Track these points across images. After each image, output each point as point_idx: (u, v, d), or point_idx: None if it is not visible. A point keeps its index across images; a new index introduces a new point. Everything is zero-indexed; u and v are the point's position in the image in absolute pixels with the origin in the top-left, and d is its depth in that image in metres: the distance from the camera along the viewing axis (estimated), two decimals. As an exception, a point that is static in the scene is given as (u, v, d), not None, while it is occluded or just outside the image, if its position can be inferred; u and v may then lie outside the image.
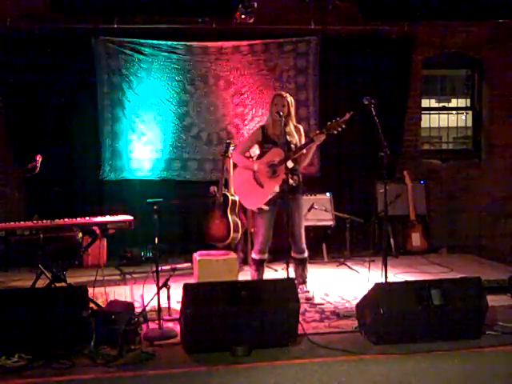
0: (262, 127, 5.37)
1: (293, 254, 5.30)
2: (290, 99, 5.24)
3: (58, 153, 7.11)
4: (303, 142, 5.24)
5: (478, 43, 8.01)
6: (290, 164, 4.97)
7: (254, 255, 5.38)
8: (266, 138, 5.29)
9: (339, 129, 5.03)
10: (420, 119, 8.13)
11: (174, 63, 7.38)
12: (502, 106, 8.17)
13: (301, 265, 5.34)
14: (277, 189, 5.17)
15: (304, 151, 5.16)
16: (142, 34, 7.27)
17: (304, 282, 5.36)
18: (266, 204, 5.21)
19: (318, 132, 5.16)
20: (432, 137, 8.90)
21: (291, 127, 5.22)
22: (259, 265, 5.36)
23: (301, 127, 5.40)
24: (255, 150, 5.59)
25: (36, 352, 3.84)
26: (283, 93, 5.35)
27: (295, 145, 5.16)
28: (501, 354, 3.96)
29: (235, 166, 5.73)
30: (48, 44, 7.05)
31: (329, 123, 5.07)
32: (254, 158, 5.50)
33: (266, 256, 5.38)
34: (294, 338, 4.13)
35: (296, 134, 5.26)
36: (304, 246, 5.32)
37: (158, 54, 7.33)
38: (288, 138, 5.04)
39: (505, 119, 8.18)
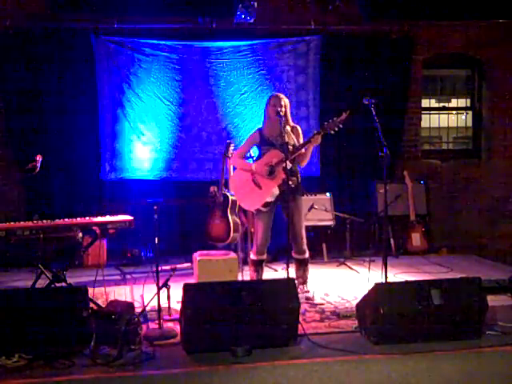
0: (259, 130, 5.37)
1: (294, 255, 5.30)
2: (286, 100, 5.25)
3: (58, 153, 7.12)
4: (301, 142, 5.24)
5: (478, 43, 8.01)
6: (288, 165, 4.96)
7: (252, 256, 5.39)
8: (264, 141, 5.29)
9: (336, 128, 5.03)
10: (420, 119, 8.13)
11: (174, 63, 7.38)
12: (502, 106, 8.16)
13: (302, 266, 5.34)
14: (276, 191, 5.17)
15: (303, 151, 5.17)
16: (142, 34, 7.27)
17: (304, 283, 5.36)
18: (265, 205, 5.20)
19: (315, 132, 5.16)
20: (432, 137, 8.89)
21: (288, 128, 5.22)
22: (258, 265, 5.36)
23: (298, 127, 5.39)
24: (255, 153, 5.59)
25: (36, 352, 3.84)
26: (280, 94, 5.36)
27: (293, 145, 5.15)
28: (501, 354, 3.96)
29: (234, 167, 5.74)
30: (48, 44, 7.05)
31: (325, 123, 5.08)
32: (253, 160, 5.50)
33: (264, 257, 5.38)
34: (294, 338, 4.13)
35: (293, 135, 5.26)
36: (305, 246, 5.32)
37: (158, 54, 7.34)
38: (286, 138, 5.04)
39: (505, 119, 8.18)
